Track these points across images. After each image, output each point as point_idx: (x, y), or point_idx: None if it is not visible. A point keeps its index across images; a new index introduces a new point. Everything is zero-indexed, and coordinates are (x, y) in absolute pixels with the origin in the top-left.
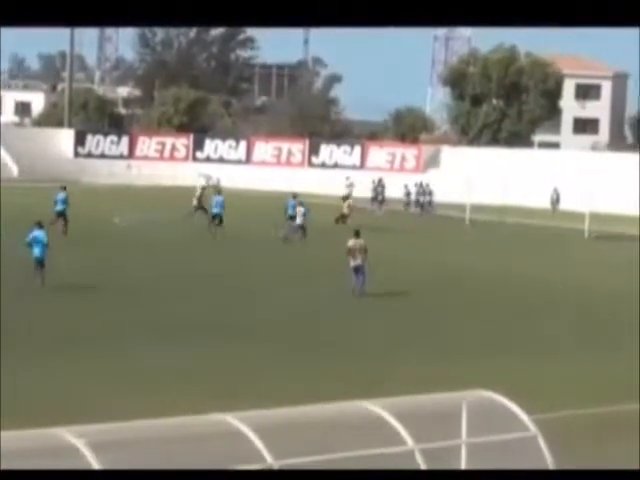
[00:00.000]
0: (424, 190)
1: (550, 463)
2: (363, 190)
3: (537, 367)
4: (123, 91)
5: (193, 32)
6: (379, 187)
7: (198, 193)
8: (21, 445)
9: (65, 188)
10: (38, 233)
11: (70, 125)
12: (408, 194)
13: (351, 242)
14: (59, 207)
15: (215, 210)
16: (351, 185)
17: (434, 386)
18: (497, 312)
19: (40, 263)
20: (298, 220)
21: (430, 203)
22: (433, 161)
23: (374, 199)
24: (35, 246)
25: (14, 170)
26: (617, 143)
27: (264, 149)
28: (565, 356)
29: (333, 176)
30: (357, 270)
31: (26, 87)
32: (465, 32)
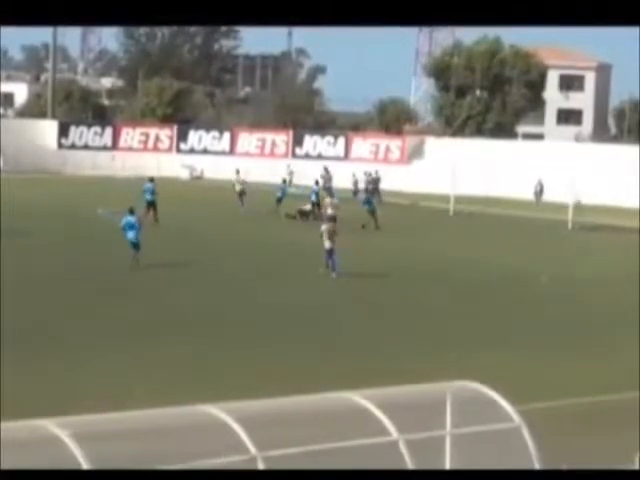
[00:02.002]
0: (373, 179)
1: (534, 454)
2: (345, 182)
3: (519, 358)
4: (107, 82)
5: None
6: (327, 176)
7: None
8: (3, 436)
9: (152, 179)
10: (130, 218)
11: (53, 116)
12: (356, 182)
13: (324, 226)
14: (148, 197)
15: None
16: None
17: (411, 378)
18: (478, 303)
19: (134, 245)
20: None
21: (377, 190)
22: (417, 152)
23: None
24: (129, 230)
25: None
26: (600, 134)
27: (248, 140)
28: (547, 347)
29: (317, 167)
30: (330, 253)
31: (9, 78)
32: None
